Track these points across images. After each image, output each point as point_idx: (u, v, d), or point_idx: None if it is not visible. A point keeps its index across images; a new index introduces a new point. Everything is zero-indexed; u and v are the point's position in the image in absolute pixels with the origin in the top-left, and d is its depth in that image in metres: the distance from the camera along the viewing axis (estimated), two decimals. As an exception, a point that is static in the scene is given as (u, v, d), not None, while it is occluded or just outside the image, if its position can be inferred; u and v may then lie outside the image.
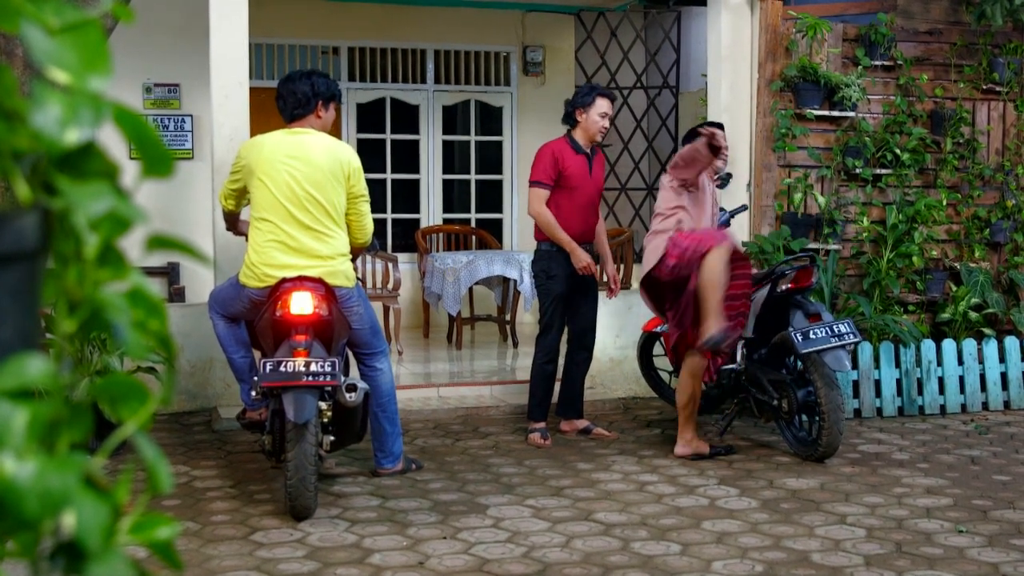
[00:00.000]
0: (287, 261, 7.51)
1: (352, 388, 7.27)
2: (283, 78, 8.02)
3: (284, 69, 14.93)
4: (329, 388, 7.22)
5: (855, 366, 10.45)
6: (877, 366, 10.63)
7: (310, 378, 7.05)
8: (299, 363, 7.06)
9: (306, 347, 7.19)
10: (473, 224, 15.90)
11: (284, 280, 7.46)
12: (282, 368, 7.06)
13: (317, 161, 7.57)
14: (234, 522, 7.16)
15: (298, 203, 7.51)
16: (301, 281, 7.45)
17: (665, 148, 16.56)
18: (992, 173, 12.07)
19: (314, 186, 7.52)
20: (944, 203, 11.73)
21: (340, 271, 7.60)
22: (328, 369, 7.08)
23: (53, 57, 1.23)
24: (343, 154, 7.73)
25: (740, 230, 11.14)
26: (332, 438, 7.52)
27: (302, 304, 7.30)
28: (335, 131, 8.96)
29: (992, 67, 12.03)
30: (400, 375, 11.39)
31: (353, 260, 8.00)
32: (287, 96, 7.82)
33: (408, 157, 15.48)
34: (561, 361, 9.71)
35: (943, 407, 10.81)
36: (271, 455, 7.62)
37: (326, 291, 7.47)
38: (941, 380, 10.85)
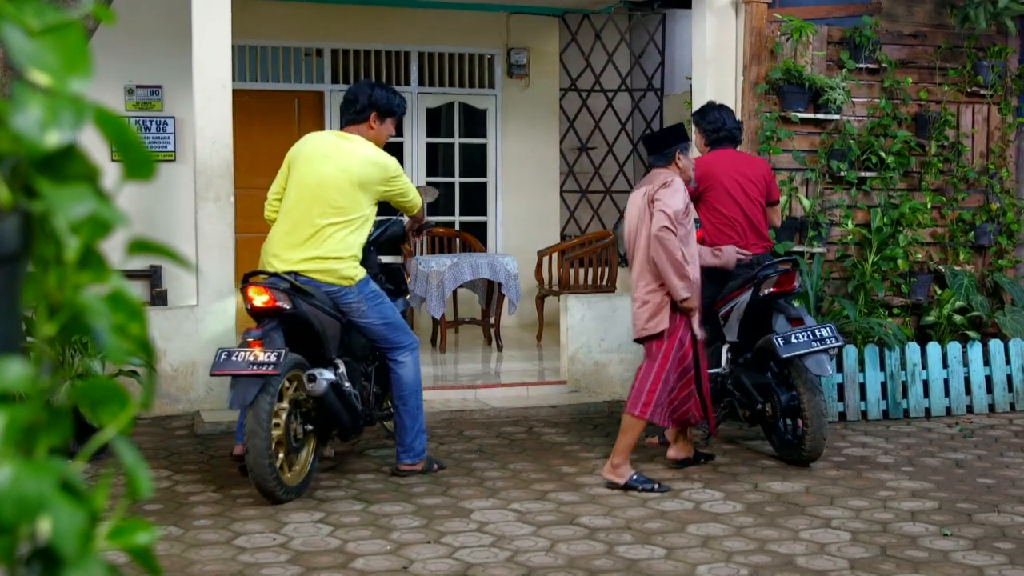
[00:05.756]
0: (287, 255, 7.83)
1: (312, 378, 7.59)
2: (355, 83, 8.45)
3: (267, 71, 14.93)
4: (271, 377, 7.38)
5: (840, 369, 10.45)
6: (862, 369, 10.63)
7: (255, 368, 7.30)
8: (247, 354, 7.36)
9: (259, 338, 7.51)
10: (457, 227, 15.89)
11: (248, 275, 7.80)
12: (232, 358, 7.38)
13: (349, 165, 7.82)
14: (217, 527, 7.14)
15: (316, 199, 7.79)
16: (267, 275, 7.77)
17: (650, 151, 16.54)
18: (976, 176, 12.10)
19: (336, 188, 7.78)
20: (929, 206, 11.75)
21: (334, 269, 7.81)
22: (272, 359, 7.32)
23: (34, 59, 1.22)
24: (381, 163, 7.94)
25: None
26: (310, 427, 7.86)
27: (258, 298, 7.61)
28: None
29: (976, 70, 12.06)
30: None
31: (419, 232, 8.77)
32: (349, 101, 8.13)
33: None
34: None
35: (928, 410, 10.81)
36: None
37: (291, 287, 7.67)
38: (926, 383, 10.85)
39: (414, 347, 8.31)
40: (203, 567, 6.40)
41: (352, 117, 8.08)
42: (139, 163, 1.29)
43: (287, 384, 7.67)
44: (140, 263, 13.11)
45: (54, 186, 1.22)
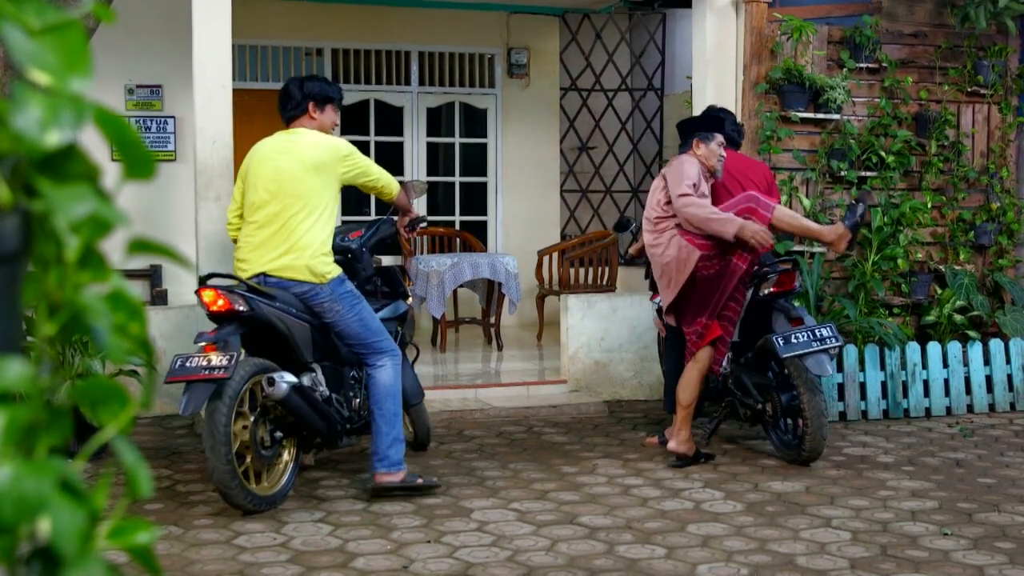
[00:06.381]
0: (253, 257, 7.67)
1: (271, 382, 7.34)
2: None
3: (268, 71, 14.92)
4: (225, 381, 7.18)
5: (840, 368, 10.45)
6: (862, 369, 10.63)
7: (207, 372, 7.12)
8: (201, 358, 7.17)
9: (212, 341, 7.31)
10: (457, 226, 15.88)
11: (203, 278, 7.63)
12: (186, 364, 7.19)
13: (301, 155, 7.65)
14: (217, 526, 7.14)
15: (275, 194, 7.62)
16: (223, 277, 7.66)
17: (650, 150, 16.59)
18: (977, 175, 12.10)
19: (292, 178, 7.60)
20: (929, 206, 11.75)
21: (304, 265, 7.60)
22: (224, 363, 7.14)
23: (34, 58, 1.22)
24: (331, 145, 7.77)
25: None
26: (280, 434, 7.63)
27: (211, 301, 7.43)
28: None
29: (976, 70, 12.06)
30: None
31: (412, 228, 8.46)
32: (283, 99, 8.00)
33: (392, 159, 15.45)
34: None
35: (928, 410, 10.82)
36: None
37: (248, 288, 7.52)
38: (926, 383, 10.85)
39: (395, 355, 7.95)
40: (203, 567, 6.39)
41: (292, 113, 7.96)
42: (139, 163, 1.29)
43: (252, 389, 7.48)
44: (140, 263, 13.11)
45: (54, 186, 1.22)
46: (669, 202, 8.54)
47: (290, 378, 7.43)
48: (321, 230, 7.66)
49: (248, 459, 7.44)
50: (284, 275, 7.59)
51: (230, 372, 7.13)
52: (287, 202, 7.58)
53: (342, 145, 7.84)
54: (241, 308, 7.42)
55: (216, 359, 7.15)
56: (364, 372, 8.05)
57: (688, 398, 8.73)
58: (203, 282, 7.56)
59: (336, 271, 7.74)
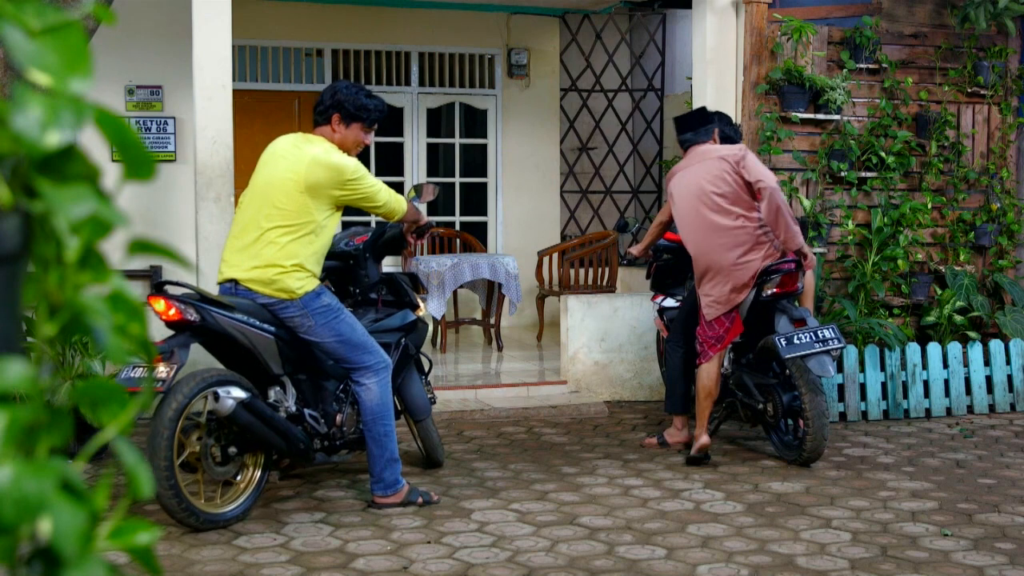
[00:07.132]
0: (234, 260, 7.34)
1: (216, 397, 7.04)
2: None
3: (268, 71, 14.92)
4: (166, 394, 6.94)
5: (840, 369, 10.45)
6: (862, 369, 10.63)
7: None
8: (143, 371, 6.99)
9: (160, 352, 7.02)
10: (457, 227, 15.87)
11: (159, 283, 7.32)
12: (130, 375, 7.02)
13: (299, 169, 7.21)
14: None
15: (262, 200, 7.26)
16: (175, 285, 7.32)
17: (650, 150, 16.58)
18: (977, 176, 12.10)
19: (282, 190, 7.20)
20: (929, 206, 11.75)
21: (273, 280, 7.22)
22: (162, 376, 6.92)
23: (34, 59, 1.22)
24: (335, 166, 7.26)
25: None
26: (234, 449, 7.27)
27: (162, 311, 7.10)
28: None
29: (976, 70, 12.06)
30: (385, 378, 11.33)
31: (420, 235, 8.11)
32: (318, 100, 7.63)
33: (392, 160, 15.45)
34: None
35: (928, 410, 10.81)
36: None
37: (202, 298, 7.17)
38: (926, 383, 10.85)
39: (380, 368, 7.55)
40: (203, 567, 6.39)
41: (316, 118, 7.54)
42: (139, 163, 1.29)
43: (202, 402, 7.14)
44: (140, 263, 13.09)
45: (54, 186, 1.22)
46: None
47: (238, 393, 7.11)
48: (302, 247, 7.25)
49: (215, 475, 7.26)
50: (252, 287, 7.26)
51: (167, 385, 6.90)
52: (268, 211, 7.22)
53: (347, 168, 7.30)
54: (192, 318, 7.08)
55: (158, 371, 6.94)
56: (351, 389, 7.73)
57: (716, 390, 8.81)
58: (158, 289, 7.24)
59: (310, 285, 7.33)
